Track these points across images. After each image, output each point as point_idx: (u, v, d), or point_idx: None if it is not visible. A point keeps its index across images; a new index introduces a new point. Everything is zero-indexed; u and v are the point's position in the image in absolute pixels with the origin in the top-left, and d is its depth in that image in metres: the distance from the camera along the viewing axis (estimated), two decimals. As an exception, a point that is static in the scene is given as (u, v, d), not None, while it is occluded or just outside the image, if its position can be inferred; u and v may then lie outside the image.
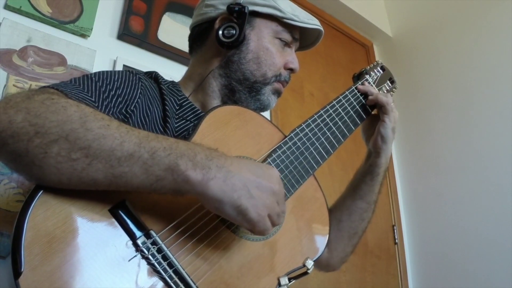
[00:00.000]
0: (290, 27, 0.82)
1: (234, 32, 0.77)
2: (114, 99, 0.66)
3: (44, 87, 0.59)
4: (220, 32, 0.78)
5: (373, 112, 0.90)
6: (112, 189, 0.52)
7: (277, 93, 0.84)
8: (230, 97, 0.82)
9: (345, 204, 0.90)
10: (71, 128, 0.49)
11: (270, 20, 0.81)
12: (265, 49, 0.80)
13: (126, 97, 0.68)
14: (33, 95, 0.52)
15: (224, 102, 0.82)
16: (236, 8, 0.77)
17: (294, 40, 0.84)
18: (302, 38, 0.87)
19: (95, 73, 0.68)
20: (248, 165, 0.58)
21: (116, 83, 0.68)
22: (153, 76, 0.81)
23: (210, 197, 0.53)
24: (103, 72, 0.70)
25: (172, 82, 0.84)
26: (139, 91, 0.71)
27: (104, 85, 0.66)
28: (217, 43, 0.79)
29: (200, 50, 0.86)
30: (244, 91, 0.81)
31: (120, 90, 0.68)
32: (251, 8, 0.79)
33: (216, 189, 0.52)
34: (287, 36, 0.82)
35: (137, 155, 0.51)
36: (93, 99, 0.63)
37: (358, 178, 0.91)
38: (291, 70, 0.84)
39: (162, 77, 0.81)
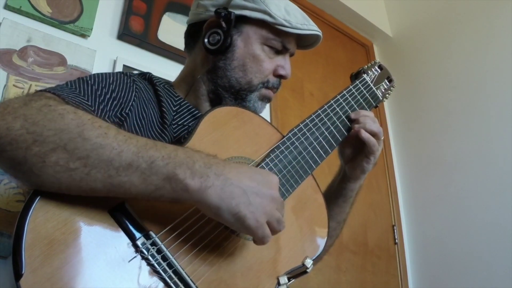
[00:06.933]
0: (282, 33, 0.79)
1: (219, 38, 0.76)
2: (110, 102, 0.66)
3: (41, 91, 0.59)
4: (206, 40, 0.77)
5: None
6: (111, 196, 0.52)
7: (266, 99, 0.82)
8: (217, 102, 0.81)
9: None
10: (69, 138, 0.49)
11: (260, 26, 0.78)
12: (251, 56, 0.78)
13: (121, 100, 0.68)
14: (30, 101, 0.52)
15: (211, 105, 0.82)
16: (223, 14, 0.76)
17: (284, 50, 0.81)
18: (300, 40, 0.85)
19: (90, 76, 0.68)
20: (247, 172, 0.57)
21: (111, 86, 0.68)
22: (147, 78, 0.80)
23: (208, 204, 0.53)
24: (98, 74, 0.69)
25: (167, 82, 0.84)
26: (133, 94, 0.70)
27: (100, 88, 0.66)
28: (204, 49, 0.78)
29: (193, 51, 0.85)
30: (230, 98, 0.80)
31: (116, 93, 0.68)
32: (240, 12, 0.77)
33: (214, 196, 0.52)
34: (277, 45, 0.79)
35: (136, 164, 0.50)
36: (90, 103, 0.63)
37: (329, 199, 0.89)
38: (281, 76, 0.82)
39: (156, 77, 0.81)
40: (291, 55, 0.85)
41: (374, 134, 0.81)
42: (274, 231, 0.58)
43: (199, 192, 0.52)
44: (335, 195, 0.90)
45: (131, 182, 0.51)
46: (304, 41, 0.86)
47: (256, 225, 0.54)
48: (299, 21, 0.79)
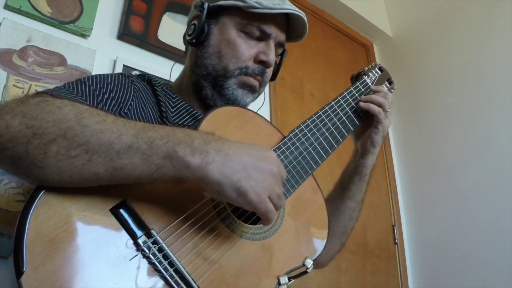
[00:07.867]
0: (259, 18, 0.77)
1: (194, 28, 0.79)
2: (108, 102, 0.67)
3: (38, 92, 0.59)
4: (185, 32, 0.81)
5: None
6: (114, 183, 0.52)
7: (247, 87, 0.79)
8: (199, 94, 0.81)
9: (334, 205, 0.90)
10: (68, 126, 0.49)
11: (235, 13, 0.78)
12: (227, 42, 0.78)
13: (119, 99, 0.68)
14: (27, 99, 0.53)
15: (198, 100, 0.82)
16: (198, 5, 0.79)
17: (262, 34, 0.79)
18: (290, 29, 0.84)
19: (88, 77, 0.69)
20: (246, 147, 0.58)
21: (109, 86, 0.69)
22: (146, 79, 0.81)
23: (210, 180, 0.53)
24: (95, 76, 0.70)
25: (166, 83, 0.85)
26: (132, 94, 0.71)
27: (98, 88, 0.67)
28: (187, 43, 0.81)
29: (187, 51, 0.88)
30: (208, 86, 0.80)
31: (114, 93, 0.68)
32: (216, 3, 0.78)
33: (216, 172, 0.53)
34: (252, 29, 0.78)
35: (136, 146, 0.51)
36: (88, 103, 0.63)
37: (346, 179, 0.92)
38: (263, 63, 0.79)
39: (155, 78, 0.82)
40: (280, 44, 0.83)
41: (378, 105, 0.85)
42: (275, 206, 0.58)
43: (200, 168, 0.52)
44: (350, 174, 0.91)
45: (133, 164, 0.51)
46: (292, 32, 0.85)
47: (258, 199, 0.55)
48: (273, 2, 0.77)
